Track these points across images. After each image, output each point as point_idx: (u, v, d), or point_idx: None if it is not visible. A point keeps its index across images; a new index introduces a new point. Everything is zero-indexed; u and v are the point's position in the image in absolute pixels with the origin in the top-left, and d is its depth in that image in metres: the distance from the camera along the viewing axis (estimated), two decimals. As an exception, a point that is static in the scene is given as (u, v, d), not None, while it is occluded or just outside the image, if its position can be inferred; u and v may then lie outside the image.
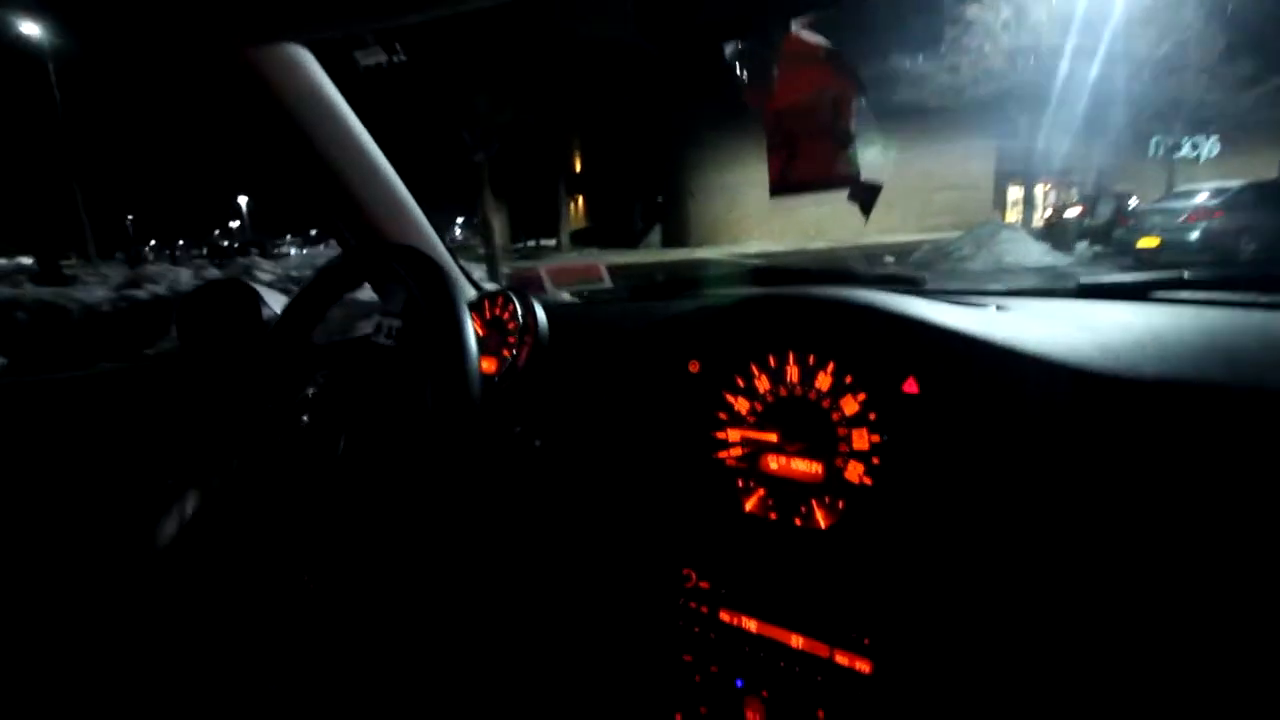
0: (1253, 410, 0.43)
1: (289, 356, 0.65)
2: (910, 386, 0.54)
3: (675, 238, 17.91)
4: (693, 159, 16.86)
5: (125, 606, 0.67)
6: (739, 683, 0.59)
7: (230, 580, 0.60)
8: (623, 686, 0.64)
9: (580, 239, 21.04)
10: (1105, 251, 9.13)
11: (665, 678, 0.62)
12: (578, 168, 22.61)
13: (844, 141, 0.54)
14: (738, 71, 0.58)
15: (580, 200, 23.19)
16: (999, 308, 0.61)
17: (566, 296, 1.04)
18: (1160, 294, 0.59)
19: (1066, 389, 0.48)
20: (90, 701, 0.65)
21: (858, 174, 0.55)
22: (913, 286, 0.63)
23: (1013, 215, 17.80)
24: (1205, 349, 0.52)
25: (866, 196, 0.56)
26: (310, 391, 0.61)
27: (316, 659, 0.60)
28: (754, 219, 16.63)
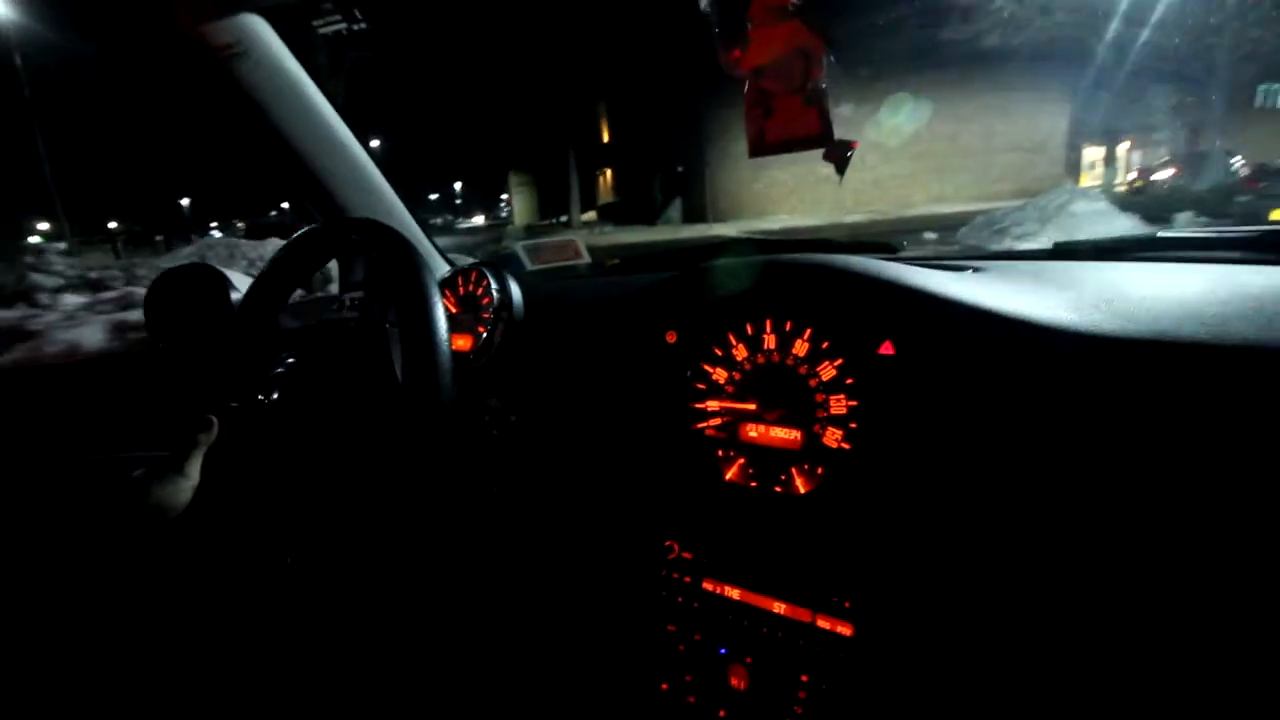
0: (1224, 366, 0.52)
1: (255, 336, 0.77)
2: (886, 349, 0.67)
3: (696, 213, 18.37)
4: (712, 123, 16.95)
5: (108, 592, 0.79)
6: (722, 650, 0.71)
7: (211, 564, 0.72)
8: (607, 658, 0.76)
9: (608, 214, 22.12)
10: (1222, 224, 8.52)
11: (649, 648, 0.74)
12: (605, 137, 23.14)
13: (816, 100, 0.66)
14: (713, 30, 0.71)
15: (609, 174, 24.42)
16: (975, 269, 0.73)
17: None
18: (1137, 254, 0.71)
19: (1040, 349, 0.59)
20: (75, 691, 0.77)
21: (831, 133, 0.68)
22: (888, 253, 0.75)
23: (1088, 181, 17.67)
24: (1178, 307, 0.61)
25: (840, 156, 0.68)
26: (278, 371, 0.73)
27: (303, 638, 0.72)
28: (782, 190, 17.05)
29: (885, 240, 0.78)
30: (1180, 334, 0.56)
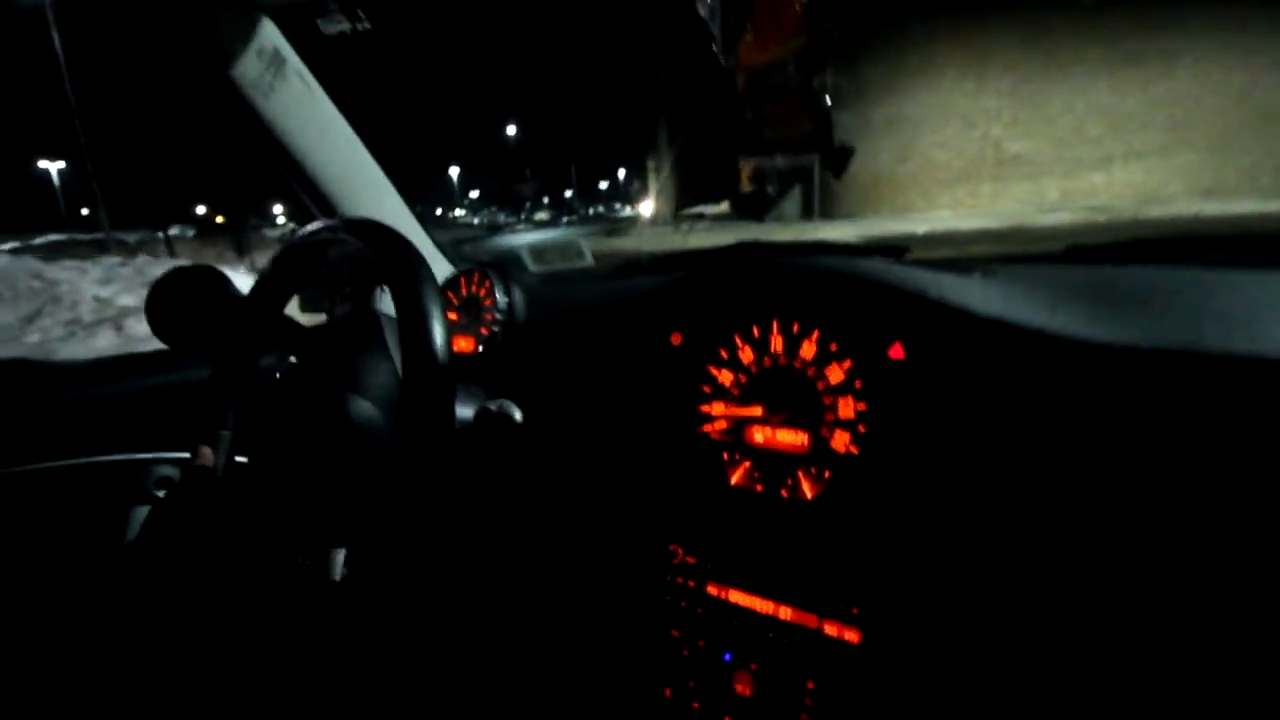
0: (1237, 375, 0.51)
1: (259, 335, 0.78)
2: (896, 352, 0.67)
3: (819, 205, 13.91)
4: (847, 83, 12.24)
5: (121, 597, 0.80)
6: (727, 657, 0.71)
7: (224, 566, 0.72)
8: (611, 663, 0.76)
9: (740, 206, 17.57)
10: None
11: (653, 653, 0.74)
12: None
13: (813, 102, 0.67)
14: (712, 30, 0.71)
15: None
16: (985, 273, 0.73)
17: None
18: (1159, 257, 0.70)
19: (1050, 357, 0.58)
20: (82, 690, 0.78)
21: (828, 136, 0.68)
22: (895, 256, 0.75)
23: None
24: (1201, 315, 0.58)
25: (837, 158, 0.68)
26: (284, 367, 0.74)
27: (316, 640, 0.72)
28: (942, 175, 12.65)
29: (893, 245, 0.77)
30: (1203, 345, 0.54)
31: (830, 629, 0.67)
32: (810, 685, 0.67)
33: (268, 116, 0.94)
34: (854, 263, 0.70)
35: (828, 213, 13.69)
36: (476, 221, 52.11)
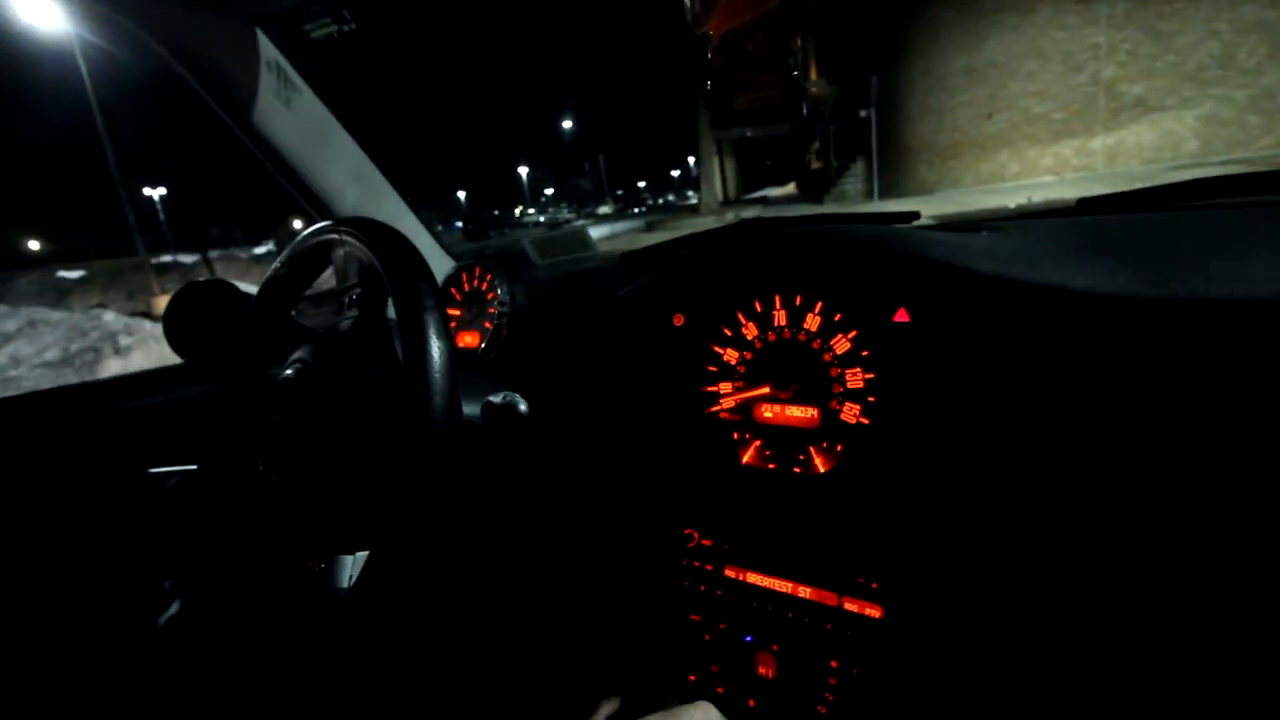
0: (1251, 320, 0.49)
1: (268, 335, 0.80)
2: (901, 316, 0.66)
3: (885, 180, 12.08)
4: (913, 28, 11.03)
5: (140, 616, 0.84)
6: (748, 638, 0.71)
7: (241, 572, 0.74)
8: (634, 649, 0.77)
9: (806, 186, 17.05)
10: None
11: (675, 638, 0.74)
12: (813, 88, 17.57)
13: (785, 71, 0.66)
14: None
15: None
16: (990, 230, 0.72)
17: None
18: (1173, 203, 0.68)
19: (1056, 312, 0.57)
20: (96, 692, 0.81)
21: (798, 107, 0.67)
22: (904, 220, 0.74)
23: None
24: (1217, 261, 0.56)
25: (805, 127, 0.67)
26: (287, 373, 0.75)
27: (334, 640, 0.74)
28: (1045, 131, 10.34)
29: (904, 210, 0.76)
30: (1221, 292, 0.52)
31: (850, 605, 0.66)
32: (834, 664, 0.67)
33: (265, 126, 0.96)
34: (851, 228, 0.70)
35: (897, 188, 12.09)
36: (542, 220, 53.04)
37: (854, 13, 11.88)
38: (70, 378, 5.20)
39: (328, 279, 0.83)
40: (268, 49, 0.97)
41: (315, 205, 1.02)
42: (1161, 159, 9.55)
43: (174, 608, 0.85)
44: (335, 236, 0.74)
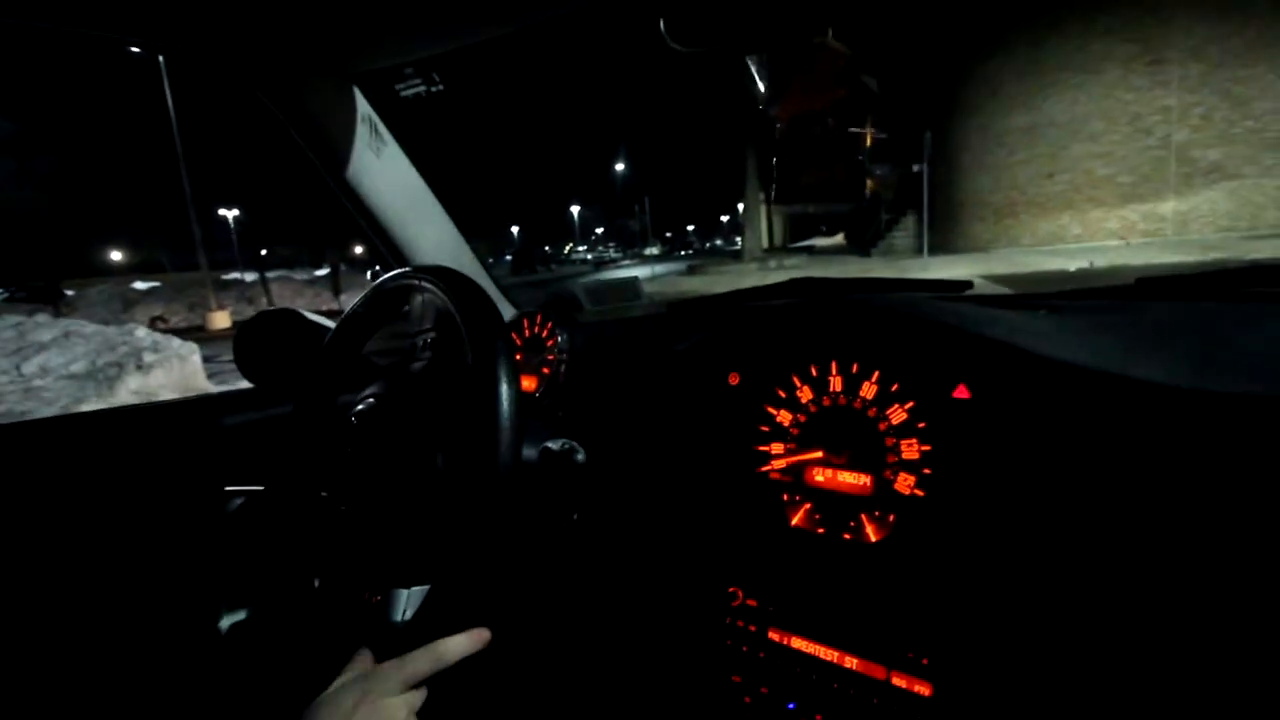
0: None
1: (341, 370, 0.85)
2: (961, 393, 0.67)
3: (937, 235, 11.73)
4: (969, 83, 10.78)
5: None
6: (791, 705, 0.71)
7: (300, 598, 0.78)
8: (671, 707, 0.77)
9: (854, 237, 16.59)
10: None
11: (713, 699, 0.74)
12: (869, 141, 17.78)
13: (850, 151, 0.69)
14: (756, 80, 0.75)
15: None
16: (1050, 310, 0.72)
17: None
18: (1238, 290, 0.68)
19: (1118, 398, 0.57)
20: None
21: (861, 188, 0.70)
22: (957, 292, 0.75)
23: None
24: (1272, 354, 0.57)
25: (868, 207, 0.70)
26: (360, 408, 0.80)
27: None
28: (1109, 194, 9.98)
29: (954, 280, 0.78)
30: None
31: (899, 680, 0.66)
32: (879, 740, 0.66)
33: (355, 175, 1.04)
34: (914, 301, 0.71)
35: (950, 244, 11.77)
36: (589, 257, 55.41)
37: (910, 65, 11.70)
38: (90, 392, 5.33)
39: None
40: (363, 105, 1.06)
41: (391, 249, 1.10)
42: (1238, 227, 9.42)
43: (232, 618, 0.89)
44: (416, 283, 0.79)
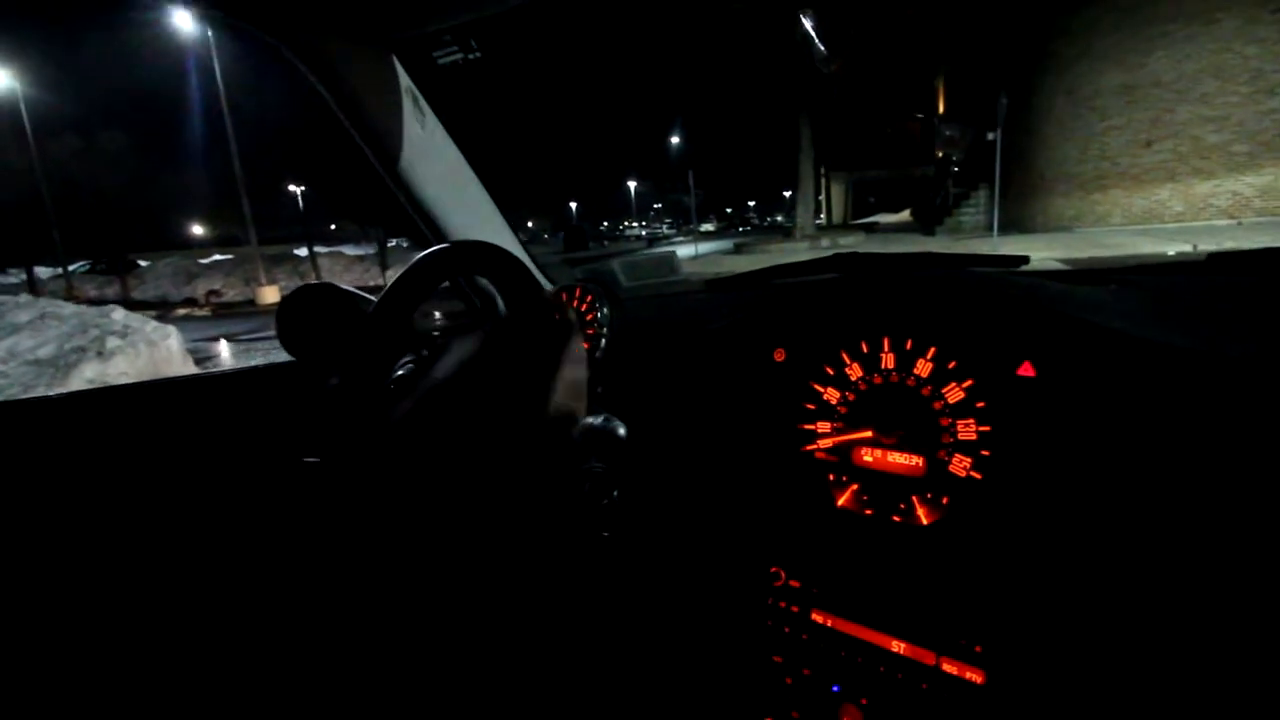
0: None
1: (387, 339, 0.88)
2: (1026, 370, 0.64)
3: (1012, 212, 10.83)
4: (1056, 37, 9.56)
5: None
6: (835, 688, 0.70)
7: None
8: (711, 686, 0.78)
9: (920, 214, 15.54)
10: None
11: (754, 679, 0.74)
12: (940, 108, 15.44)
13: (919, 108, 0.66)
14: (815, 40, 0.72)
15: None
16: (1120, 285, 0.68)
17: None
18: None
19: (1191, 373, 0.54)
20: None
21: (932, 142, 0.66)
22: (1014, 267, 0.71)
23: None
24: None
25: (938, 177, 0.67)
26: (401, 371, 0.83)
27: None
28: (1219, 164, 8.72)
29: (1011, 254, 0.73)
30: None
31: (949, 667, 0.64)
32: (927, 727, 0.65)
33: (396, 150, 1.06)
34: (975, 275, 0.68)
35: (1026, 222, 10.66)
36: (645, 234, 56.13)
37: (987, 19, 10.53)
38: (45, 380, 4.92)
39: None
40: (403, 77, 1.07)
41: (428, 223, 1.12)
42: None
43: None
44: (461, 256, 0.81)
